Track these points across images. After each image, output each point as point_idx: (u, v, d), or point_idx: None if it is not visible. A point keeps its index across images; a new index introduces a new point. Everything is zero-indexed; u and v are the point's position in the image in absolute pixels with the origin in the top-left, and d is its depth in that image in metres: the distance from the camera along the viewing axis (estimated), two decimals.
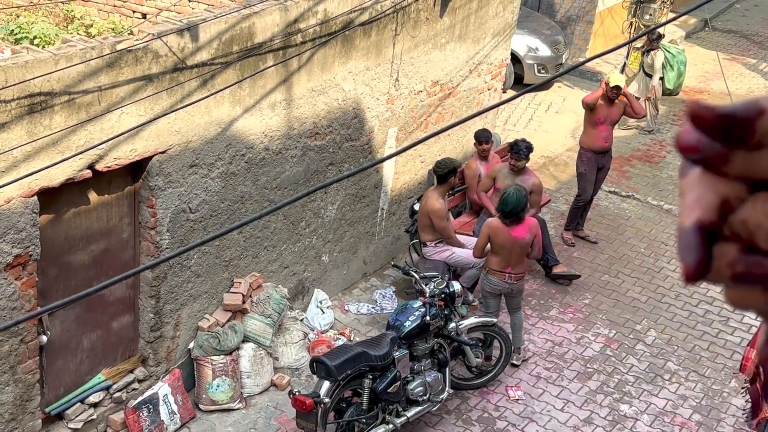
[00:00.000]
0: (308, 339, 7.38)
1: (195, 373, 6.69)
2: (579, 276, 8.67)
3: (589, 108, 8.79)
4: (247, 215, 6.62)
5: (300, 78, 6.68)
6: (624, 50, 12.36)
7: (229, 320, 6.76)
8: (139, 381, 6.53)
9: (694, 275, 0.53)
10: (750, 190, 0.51)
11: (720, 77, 13.91)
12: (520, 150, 7.86)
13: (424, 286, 6.78)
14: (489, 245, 7.02)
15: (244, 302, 6.81)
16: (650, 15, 11.75)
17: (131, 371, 6.49)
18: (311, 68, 6.74)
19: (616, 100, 8.87)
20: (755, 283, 0.52)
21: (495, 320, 7.21)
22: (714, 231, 0.53)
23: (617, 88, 8.66)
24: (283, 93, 6.59)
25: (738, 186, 0.51)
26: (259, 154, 6.61)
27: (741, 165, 0.50)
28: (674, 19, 6.76)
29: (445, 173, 7.37)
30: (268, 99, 6.47)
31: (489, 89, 9.42)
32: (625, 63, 12.26)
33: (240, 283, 6.84)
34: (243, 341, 6.76)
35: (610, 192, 10.40)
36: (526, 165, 8.04)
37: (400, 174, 8.43)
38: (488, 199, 8.02)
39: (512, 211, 6.80)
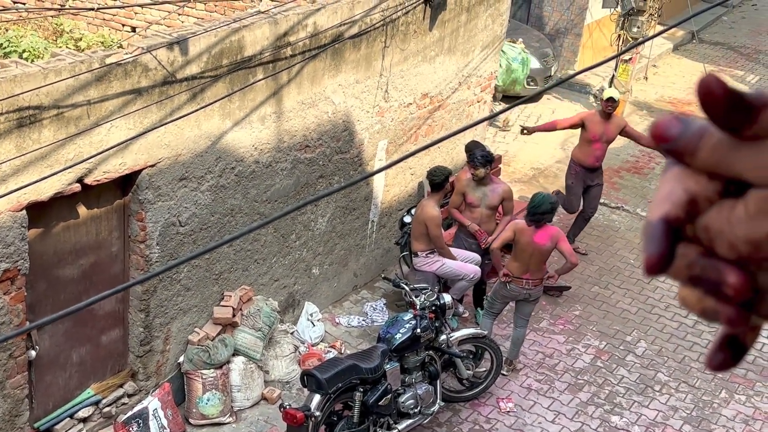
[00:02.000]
0: (299, 352, 7.36)
1: (185, 387, 6.66)
2: (569, 288, 8.69)
3: (581, 125, 8.82)
4: (237, 228, 6.61)
5: (290, 91, 6.69)
6: (612, 63, 12.43)
7: (219, 334, 6.74)
8: (129, 395, 6.49)
9: (655, 268, 0.53)
10: (722, 193, 0.51)
11: None
12: (474, 158, 7.59)
13: (414, 298, 6.78)
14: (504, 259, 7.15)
15: (234, 315, 6.78)
16: (638, 27, 11.83)
17: (121, 386, 6.46)
18: (301, 81, 6.75)
19: (613, 117, 8.84)
20: (707, 288, 0.52)
21: (486, 332, 7.22)
22: (679, 228, 0.53)
23: (611, 100, 8.66)
24: (272, 106, 6.59)
25: (710, 187, 0.51)
26: (249, 167, 6.61)
27: (708, 158, 0.50)
28: (662, 32, 6.82)
29: (442, 180, 7.37)
30: (258, 112, 6.48)
31: (479, 101, 9.46)
32: (613, 75, 12.33)
33: (230, 296, 6.82)
34: (233, 355, 6.74)
35: (599, 204, 10.43)
36: (492, 174, 7.86)
37: (390, 186, 8.44)
38: (460, 215, 7.92)
39: (532, 210, 6.88)
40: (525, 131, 9.30)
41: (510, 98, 12.54)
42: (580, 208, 9.25)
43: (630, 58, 12.08)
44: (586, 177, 9.00)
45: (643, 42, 9.46)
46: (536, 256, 7.01)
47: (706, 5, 18.66)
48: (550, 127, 9.06)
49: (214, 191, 6.36)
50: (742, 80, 15.25)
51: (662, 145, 0.51)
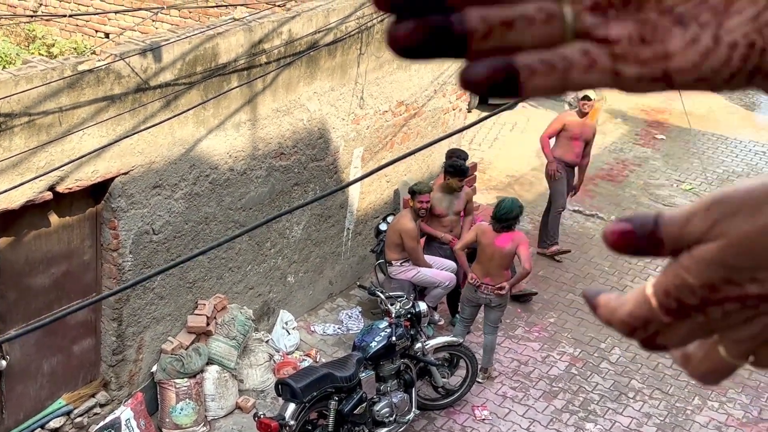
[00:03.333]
0: (273, 361, 7.32)
1: (158, 396, 6.60)
2: (536, 293, 8.72)
3: (559, 131, 8.96)
4: (212, 236, 6.58)
5: (265, 98, 6.67)
6: None
7: (193, 342, 6.69)
8: (101, 405, 6.42)
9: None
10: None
11: (682, 95, 14.14)
12: (452, 169, 7.70)
13: (390, 306, 6.77)
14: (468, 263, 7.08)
15: (208, 324, 6.74)
16: None
17: (93, 395, 6.38)
18: (276, 88, 6.73)
19: (588, 118, 9.01)
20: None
21: (461, 340, 7.22)
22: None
23: (586, 98, 8.83)
24: (247, 113, 6.57)
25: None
26: (224, 175, 6.57)
27: (673, 241, 0.51)
28: None
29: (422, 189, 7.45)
30: (233, 119, 6.45)
31: (454, 109, 9.49)
32: None
33: (204, 304, 6.78)
34: (207, 364, 6.69)
35: (574, 211, 10.49)
36: (469, 182, 8.05)
37: (365, 194, 8.44)
38: (430, 228, 7.93)
39: (503, 216, 6.87)
40: (554, 174, 9.18)
41: (486, 105, 12.58)
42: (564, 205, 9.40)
43: None
44: (568, 173, 9.17)
45: None
46: (497, 259, 7.00)
47: None
48: (546, 145, 9.13)
49: (188, 199, 6.31)
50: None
51: (627, 248, 0.52)
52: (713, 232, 0.49)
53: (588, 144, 9.14)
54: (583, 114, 8.94)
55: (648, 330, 0.52)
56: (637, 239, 0.51)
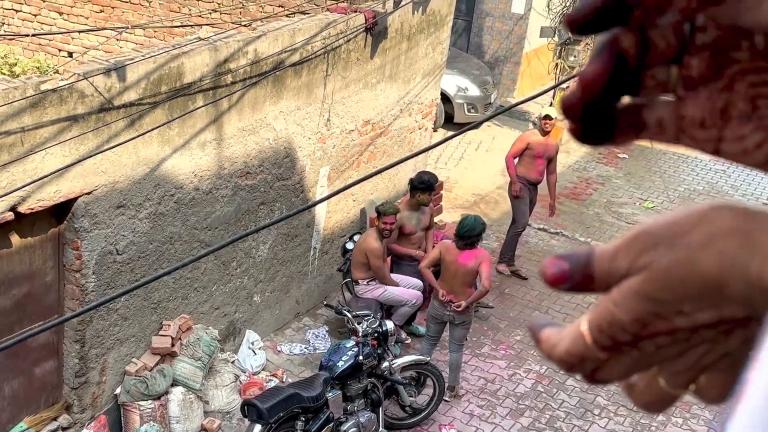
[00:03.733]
0: (240, 381, 7.26)
1: (122, 419, 6.50)
2: (492, 308, 8.75)
3: (523, 150, 9.07)
4: (177, 256, 6.52)
5: (230, 117, 6.65)
6: (551, 91, 12.71)
7: (157, 364, 6.61)
8: (64, 429, 6.31)
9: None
10: None
11: None
12: (420, 184, 7.86)
13: (356, 325, 6.76)
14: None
15: (173, 345, 6.67)
16: (575, 57, 12.11)
17: (55, 419, 6.27)
18: (242, 108, 6.73)
19: (551, 137, 9.15)
20: None
21: (428, 358, 7.23)
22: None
23: (548, 117, 8.97)
24: (213, 132, 6.55)
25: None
26: (189, 194, 6.54)
27: (604, 279, 0.52)
28: None
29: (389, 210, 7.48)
30: (198, 138, 6.42)
31: (420, 128, 9.54)
32: (551, 103, 12.58)
33: (169, 325, 6.71)
34: (172, 385, 6.61)
35: (539, 229, 10.58)
36: (434, 201, 8.15)
37: (332, 213, 8.44)
38: (401, 247, 8.01)
39: (466, 234, 6.91)
40: (516, 194, 9.30)
41: (452, 124, 12.69)
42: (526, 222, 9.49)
43: (567, 87, 12.33)
44: (530, 191, 9.25)
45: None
46: (459, 276, 7.04)
47: None
48: (511, 165, 9.22)
49: (152, 219, 6.27)
50: None
51: (562, 286, 0.53)
52: (637, 265, 0.49)
53: (552, 161, 9.26)
54: (545, 132, 9.07)
55: (585, 367, 0.53)
56: (572, 276, 0.52)
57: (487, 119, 13.11)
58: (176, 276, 6.72)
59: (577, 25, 0.49)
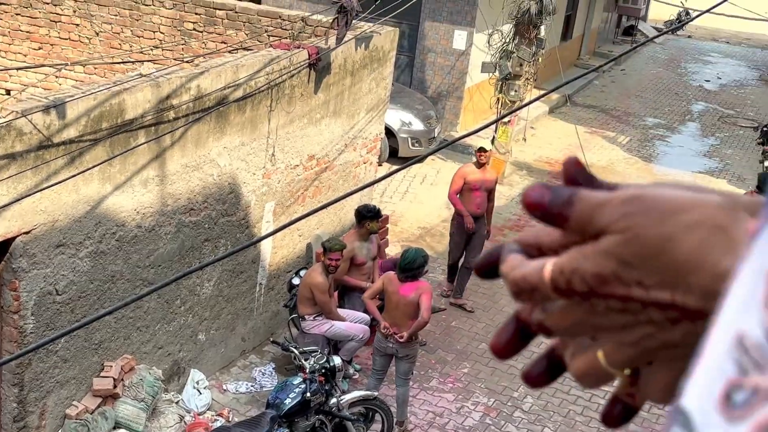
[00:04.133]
0: (184, 422, 7.11)
1: None
2: (425, 343, 8.68)
3: (462, 188, 9.23)
4: (119, 295, 6.40)
5: (173, 154, 6.59)
6: (493, 124, 12.94)
7: (99, 406, 6.45)
8: None
9: (501, 353, 0.60)
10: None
11: (584, 149, 14.67)
12: (368, 213, 7.97)
13: (303, 361, 6.70)
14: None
15: (115, 386, 6.52)
16: (515, 91, 12.34)
17: None
18: (185, 144, 6.68)
19: (489, 168, 9.30)
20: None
21: (376, 393, 7.19)
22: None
23: (482, 149, 9.19)
24: (155, 169, 6.48)
25: (569, 239, 0.55)
26: (131, 232, 6.44)
27: (578, 221, 0.54)
28: (538, 98, 7.14)
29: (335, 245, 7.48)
30: (140, 175, 6.35)
31: (365, 162, 9.58)
32: (494, 137, 12.76)
33: (111, 366, 6.56)
34: (114, 428, 6.45)
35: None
36: (381, 234, 8.26)
37: (278, 248, 8.39)
38: (352, 278, 8.04)
39: (407, 267, 6.94)
40: (471, 228, 9.43)
41: (396, 158, 12.77)
42: (462, 258, 9.55)
43: (509, 121, 12.56)
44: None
45: (520, 108, 9.88)
46: (401, 308, 7.06)
47: (579, 71, 19.68)
48: (457, 201, 9.34)
49: (93, 257, 6.15)
50: (613, 141, 16.06)
51: (536, 213, 0.54)
52: (619, 224, 0.51)
53: (491, 192, 9.41)
54: (480, 165, 9.21)
55: (532, 298, 0.55)
56: (549, 207, 0.54)
57: (429, 154, 13.25)
58: (118, 315, 6.59)
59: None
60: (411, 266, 6.98)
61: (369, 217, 7.95)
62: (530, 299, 0.56)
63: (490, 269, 0.59)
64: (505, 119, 12.54)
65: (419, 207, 11.86)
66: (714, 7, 5.99)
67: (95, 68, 7.73)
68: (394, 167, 12.79)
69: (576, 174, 0.56)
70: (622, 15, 23.35)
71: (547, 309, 0.55)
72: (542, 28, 12.00)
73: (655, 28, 25.03)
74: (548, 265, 0.53)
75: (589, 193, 0.53)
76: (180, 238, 6.95)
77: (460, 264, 9.64)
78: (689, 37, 27.23)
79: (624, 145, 15.95)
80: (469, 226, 9.26)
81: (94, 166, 5.77)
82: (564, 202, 0.53)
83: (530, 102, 5.74)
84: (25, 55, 8.62)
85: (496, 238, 11.34)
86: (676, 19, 25.83)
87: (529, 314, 0.57)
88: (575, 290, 0.53)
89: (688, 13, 25.35)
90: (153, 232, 6.65)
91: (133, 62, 7.34)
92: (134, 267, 6.56)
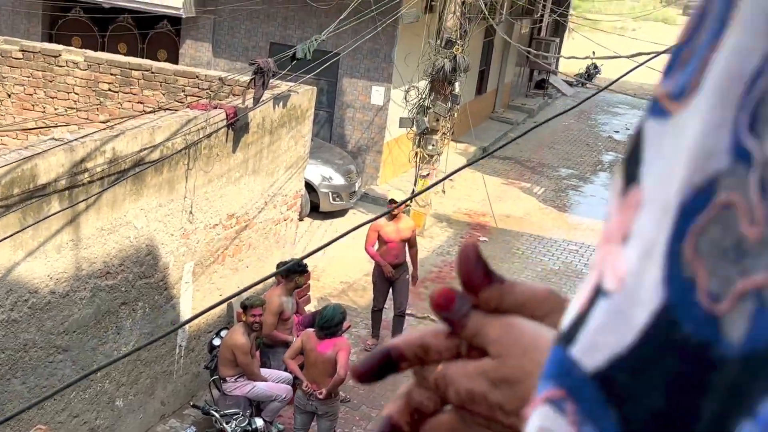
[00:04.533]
0: None
1: None
2: (348, 400, 8.62)
3: (378, 241, 9.40)
4: (32, 364, 6.22)
5: (88, 217, 6.50)
6: (411, 177, 13.15)
7: None
8: None
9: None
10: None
11: (501, 200, 15.03)
12: (296, 268, 7.96)
13: (225, 424, 6.61)
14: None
15: None
16: (433, 145, 12.61)
17: None
18: (100, 207, 6.59)
19: (403, 218, 9.54)
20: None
21: None
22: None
23: (392, 201, 9.47)
24: (70, 234, 6.37)
25: (459, 346, 0.61)
26: (45, 298, 6.28)
27: (470, 332, 0.59)
28: (467, 165, 7.33)
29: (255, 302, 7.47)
30: (54, 240, 6.22)
31: (285, 220, 9.60)
32: (413, 190, 12.96)
33: None
34: None
35: (408, 314, 10.73)
36: (303, 290, 8.38)
37: (197, 309, 8.27)
38: (280, 333, 8.04)
39: (325, 324, 6.95)
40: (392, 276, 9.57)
41: (317, 213, 12.83)
42: (385, 304, 9.70)
43: (427, 174, 12.78)
44: (392, 275, 9.46)
45: (460, 169, 10.11)
46: (319, 365, 7.04)
47: (495, 123, 20.22)
48: (374, 254, 9.52)
49: (4, 326, 5.97)
50: (529, 192, 16.48)
51: (440, 314, 0.60)
52: (495, 348, 0.56)
53: (409, 240, 9.53)
54: (392, 216, 9.34)
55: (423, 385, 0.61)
56: (451, 316, 0.59)
57: (348, 207, 13.34)
58: (31, 384, 6.39)
59: (361, 379, 0.62)
60: (329, 324, 6.99)
61: (299, 272, 8.03)
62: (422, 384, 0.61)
63: (373, 375, 0.63)
64: (423, 172, 12.77)
65: (341, 262, 11.90)
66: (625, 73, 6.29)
67: (6, 132, 7.59)
68: (316, 222, 12.85)
69: (474, 270, 0.59)
70: (533, 69, 24.14)
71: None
72: (456, 84, 12.33)
73: (566, 81, 25.95)
74: (435, 372, 0.59)
75: (480, 316, 0.59)
76: (96, 302, 6.81)
77: (385, 310, 9.73)
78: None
79: (539, 196, 16.39)
80: (388, 275, 9.39)
81: (6, 238, 5.63)
82: (463, 315, 0.60)
83: (462, 167, 5.91)
84: None
85: (418, 290, 11.45)
86: (585, 72, 26.88)
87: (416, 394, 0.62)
88: (450, 400, 0.58)
89: (596, 66, 26.44)
90: (67, 298, 6.50)
91: (46, 126, 7.24)
92: (48, 334, 6.39)
